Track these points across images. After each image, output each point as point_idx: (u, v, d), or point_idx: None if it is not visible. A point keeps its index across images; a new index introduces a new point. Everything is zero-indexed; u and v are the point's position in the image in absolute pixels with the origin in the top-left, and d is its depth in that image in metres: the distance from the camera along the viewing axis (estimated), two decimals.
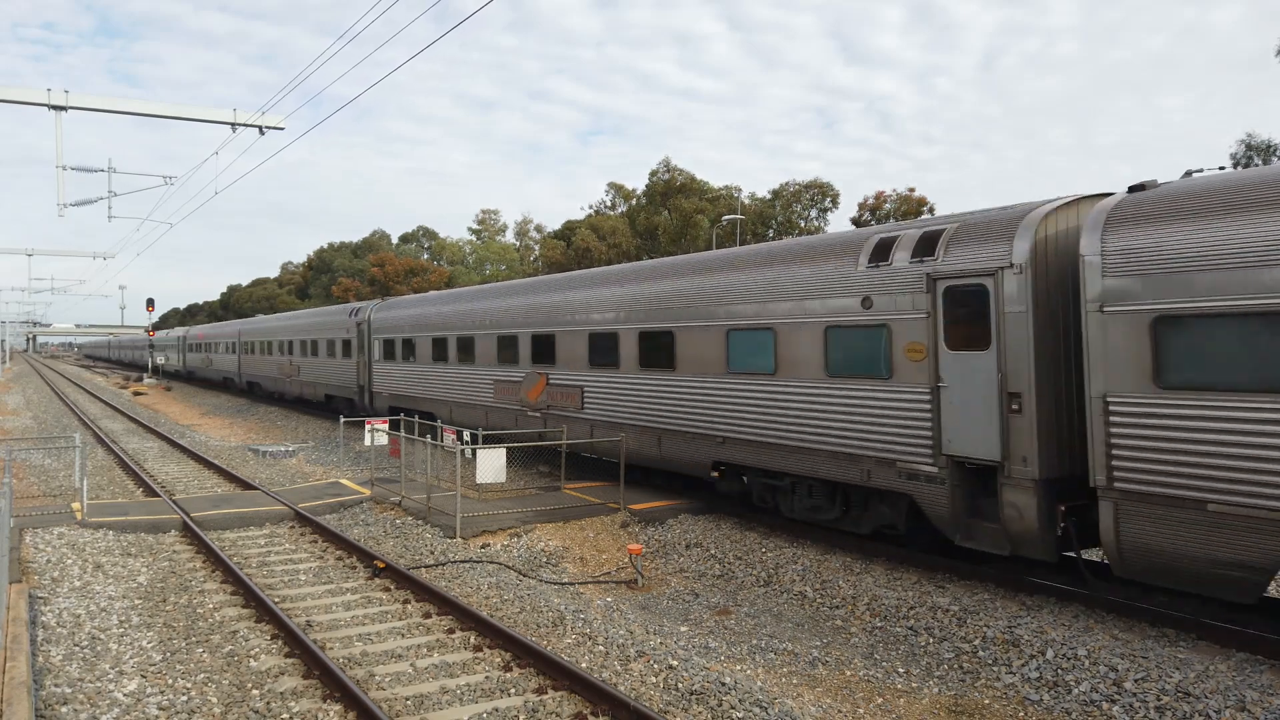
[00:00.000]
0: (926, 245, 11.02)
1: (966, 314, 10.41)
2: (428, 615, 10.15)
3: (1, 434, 29.45)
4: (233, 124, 19.51)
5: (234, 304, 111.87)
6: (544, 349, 18.72)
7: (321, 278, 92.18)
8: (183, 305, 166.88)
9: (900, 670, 8.81)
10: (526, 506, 15.22)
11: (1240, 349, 8.08)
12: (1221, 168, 9.16)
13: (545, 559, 12.82)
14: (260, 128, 19.55)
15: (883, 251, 11.53)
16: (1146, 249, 8.68)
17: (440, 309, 24.05)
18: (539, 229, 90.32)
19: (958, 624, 9.54)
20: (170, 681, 8.23)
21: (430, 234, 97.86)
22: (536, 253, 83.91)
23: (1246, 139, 35.34)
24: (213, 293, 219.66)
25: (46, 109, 18.23)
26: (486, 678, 8.30)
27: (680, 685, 7.98)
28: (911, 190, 55.27)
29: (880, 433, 11.35)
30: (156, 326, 76.56)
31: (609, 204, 70.84)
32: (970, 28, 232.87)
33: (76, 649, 8.98)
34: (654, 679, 8.19)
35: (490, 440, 18.20)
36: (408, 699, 7.85)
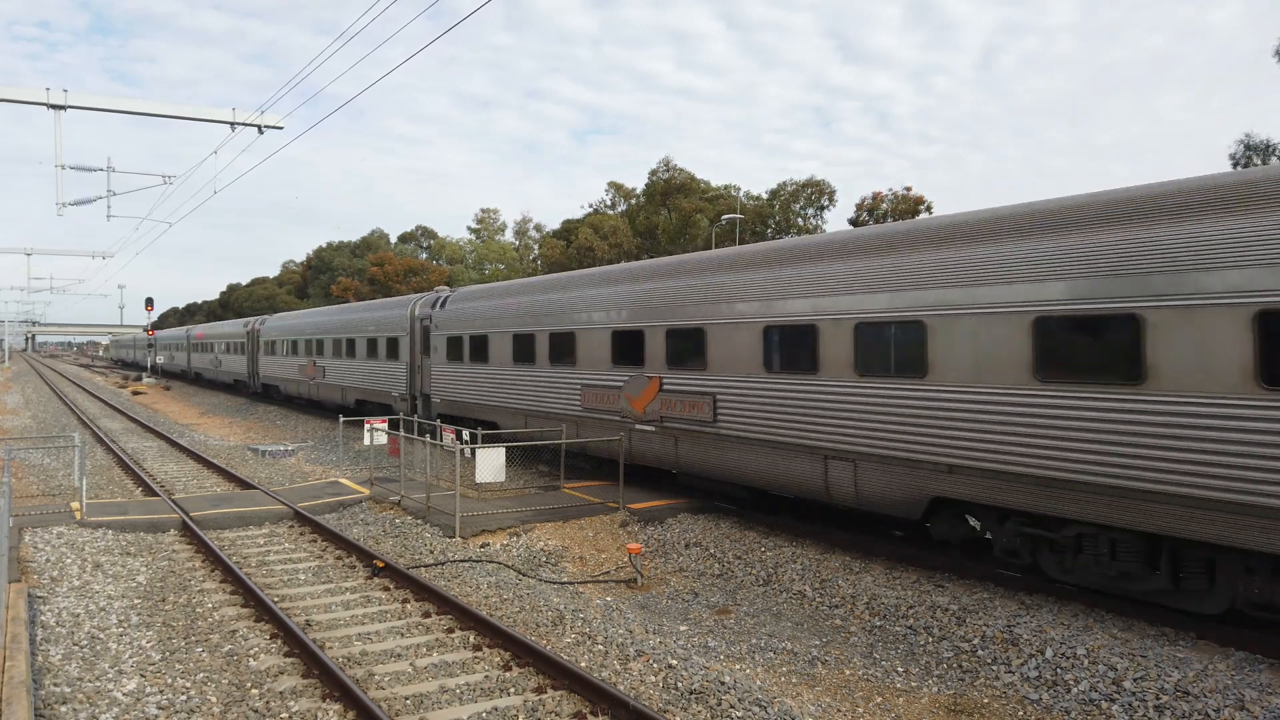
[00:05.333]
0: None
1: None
2: (427, 615, 10.15)
3: (1, 433, 29.43)
4: (232, 123, 19.51)
5: (233, 303, 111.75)
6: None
7: (321, 277, 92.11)
8: (182, 305, 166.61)
9: (899, 669, 8.81)
10: (526, 506, 15.22)
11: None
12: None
13: (545, 558, 12.82)
14: (259, 127, 19.55)
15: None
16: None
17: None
18: (538, 228, 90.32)
19: (957, 623, 9.54)
20: (169, 681, 8.22)
21: (429, 233, 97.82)
22: (536, 252, 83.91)
23: (1245, 139, 35.30)
24: (212, 292, 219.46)
25: (45, 108, 18.24)
26: (486, 677, 8.31)
27: (679, 684, 7.98)
28: (909, 189, 55.29)
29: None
30: (156, 326, 76.44)
31: (609, 203, 70.84)
32: (968, 26, 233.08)
33: (76, 648, 8.98)
34: (653, 678, 8.19)
35: (490, 440, 18.23)
36: (407, 698, 7.85)
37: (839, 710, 7.82)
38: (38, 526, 13.79)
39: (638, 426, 15.53)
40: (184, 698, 7.83)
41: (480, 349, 21.23)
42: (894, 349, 11.19)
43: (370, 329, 28.50)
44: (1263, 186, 8.16)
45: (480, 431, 17.36)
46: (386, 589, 11.24)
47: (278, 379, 39.24)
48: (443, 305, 23.69)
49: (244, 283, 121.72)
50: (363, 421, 20.78)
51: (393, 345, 26.61)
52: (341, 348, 30.98)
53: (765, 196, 61.33)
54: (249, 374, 44.27)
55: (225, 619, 10.11)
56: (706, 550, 12.95)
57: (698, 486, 15.37)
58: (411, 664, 8.65)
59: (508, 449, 18.05)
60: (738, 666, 8.73)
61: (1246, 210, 8.12)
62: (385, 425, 20.62)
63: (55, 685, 8.00)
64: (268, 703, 7.78)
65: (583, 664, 8.58)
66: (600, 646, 9.01)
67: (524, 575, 11.94)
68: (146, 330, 70.52)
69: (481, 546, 13.23)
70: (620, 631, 9.44)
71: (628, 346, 15.89)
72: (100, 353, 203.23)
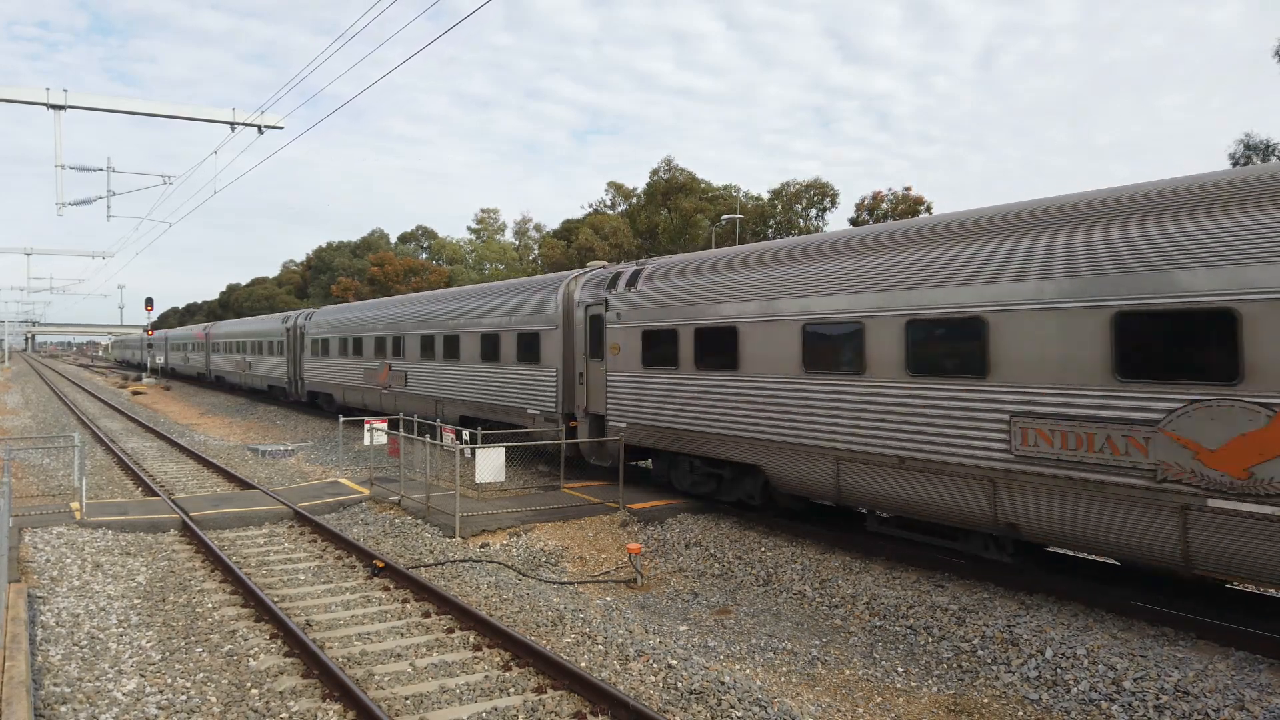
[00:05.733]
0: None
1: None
2: (427, 615, 10.15)
3: (1, 433, 29.43)
4: (231, 123, 19.51)
5: (233, 303, 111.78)
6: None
7: (321, 277, 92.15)
8: (182, 305, 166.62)
9: (899, 669, 8.81)
10: (526, 506, 15.22)
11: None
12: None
13: (544, 558, 12.82)
14: (259, 127, 19.54)
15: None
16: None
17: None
18: (538, 228, 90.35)
19: (957, 623, 9.54)
20: (169, 681, 8.22)
21: (429, 233, 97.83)
22: (536, 252, 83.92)
23: (1245, 139, 35.32)
24: (212, 292, 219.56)
25: (45, 108, 18.24)
26: (486, 677, 8.31)
27: (679, 684, 7.98)
28: (908, 189, 55.32)
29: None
30: (155, 326, 76.45)
31: (608, 203, 70.85)
32: (968, 26, 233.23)
33: (75, 648, 8.98)
34: (653, 678, 8.19)
35: (490, 440, 18.22)
36: (407, 698, 7.85)
37: (839, 710, 7.82)
38: (38, 526, 13.78)
39: (1219, 503, 8.16)
40: (184, 698, 7.83)
41: (720, 346, 13.82)
42: None
43: (490, 320, 21.08)
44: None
45: (480, 431, 17.34)
46: (386, 589, 11.24)
47: (331, 385, 32.05)
48: (632, 283, 16.19)
49: (244, 283, 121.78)
50: (363, 421, 20.75)
51: (529, 343, 19.24)
52: (435, 347, 23.81)
53: (766, 197, 61.36)
54: (289, 379, 37.14)
55: (225, 619, 10.11)
56: (706, 550, 12.95)
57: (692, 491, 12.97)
58: (411, 664, 8.65)
59: (507, 449, 18.03)
60: (738, 666, 8.73)
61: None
62: (385, 425, 20.62)
63: (55, 685, 7.99)
64: (268, 703, 7.78)
65: (583, 664, 8.58)
66: (600, 646, 9.01)
67: (524, 575, 11.94)
68: (146, 330, 70.40)
69: (481, 546, 13.23)
70: (620, 631, 9.44)
71: (1168, 340, 8.53)
72: (100, 353, 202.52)
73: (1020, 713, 7.79)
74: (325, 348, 32.58)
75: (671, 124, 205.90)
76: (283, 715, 7.55)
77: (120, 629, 9.66)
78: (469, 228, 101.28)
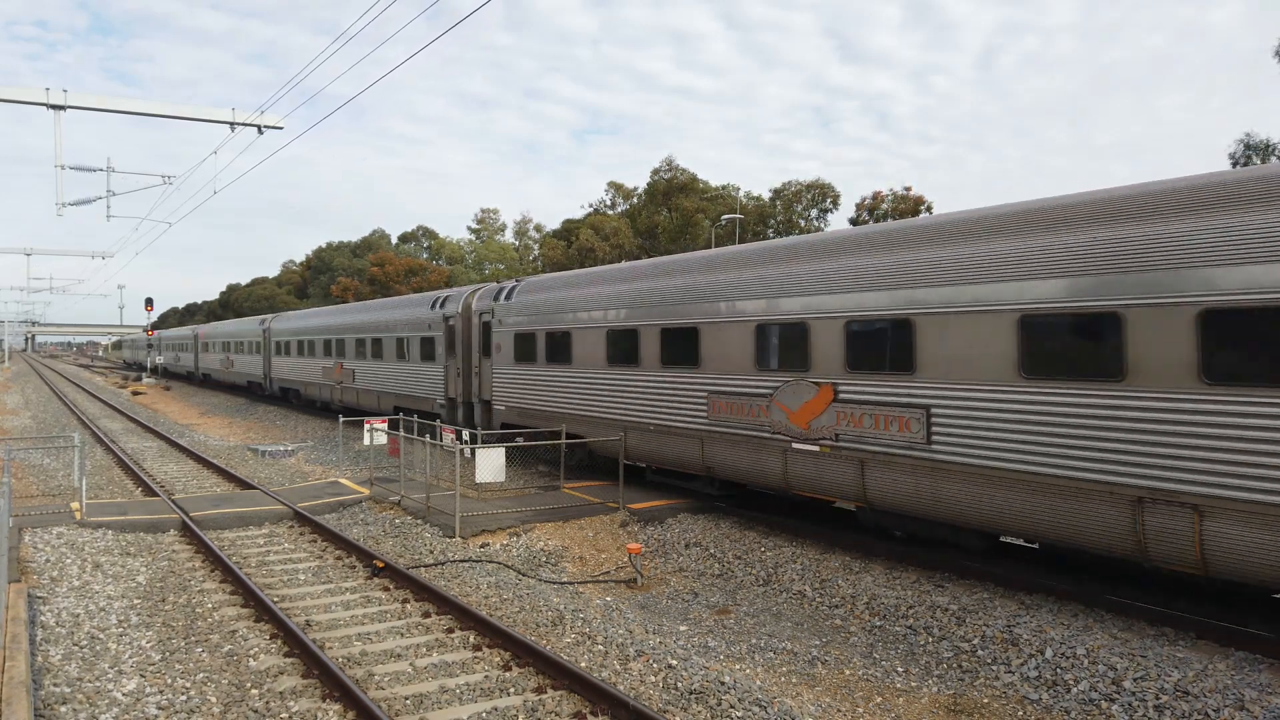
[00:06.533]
0: None
1: None
2: (427, 615, 10.15)
3: (1, 433, 29.43)
4: (231, 123, 19.51)
5: (233, 303, 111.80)
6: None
7: (320, 277, 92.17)
8: (182, 305, 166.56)
9: (899, 669, 8.81)
10: (526, 506, 15.22)
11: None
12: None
13: (545, 558, 12.82)
14: (259, 127, 19.55)
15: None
16: None
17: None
18: (538, 228, 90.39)
19: (957, 623, 9.54)
20: (169, 681, 8.22)
21: (430, 233, 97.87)
22: (536, 252, 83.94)
23: (1245, 138, 35.31)
24: (212, 292, 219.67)
25: (45, 108, 18.24)
26: (486, 677, 8.31)
27: (679, 684, 7.98)
28: (908, 189, 55.27)
29: None
30: (155, 326, 76.47)
31: (608, 203, 70.85)
32: (968, 26, 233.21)
33: (75, 648, 8.98)
34: (653, 678, 8.19)
35: (490, 440, 18.22)
36: (407, 698, 7.85)
37: (839, 710, 7.82)
38: (38, 526, 13.78)
39: None
40: (184, 698, 7.83)
41: None
42: None
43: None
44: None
45: (480, 431, 17.34)
46: (386, 589, 11.24)
47: (576, 417, 17.72)
48: None
49: (244, 283, 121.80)
50: (362, 421, 20.74)
51: None
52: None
53: (767, 196, 61.35)
54: (451, 398, 23.67)
55: (225, 619, 10.11)
56: (706, 550, 12.95)
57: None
58: (411, 664, 8.65)
59: (507, 449, 18.02)
60: (738, 666, 8.73)
61: None
62: (385, 425, 20.62)
63: (55, 685, 8.00)
64: (268, 703, 7.78)
65: (583, 664, 8.58)
66: (600, 646, 9.01)
67: (524, 575, 11.94)
68: (146, 330, 70.34)
69: (481, 546, 13.23)
70: (620, 631, 9.44)
71: None
72: (101, 353, 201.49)
73: (1020, 713, 7.79)
74: (552, 349, 18.78)
75: (671, 124, 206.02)
76: (283, 715, 7.55)
77: (120, 629, 9.66)
78: (469, 228, 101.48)
